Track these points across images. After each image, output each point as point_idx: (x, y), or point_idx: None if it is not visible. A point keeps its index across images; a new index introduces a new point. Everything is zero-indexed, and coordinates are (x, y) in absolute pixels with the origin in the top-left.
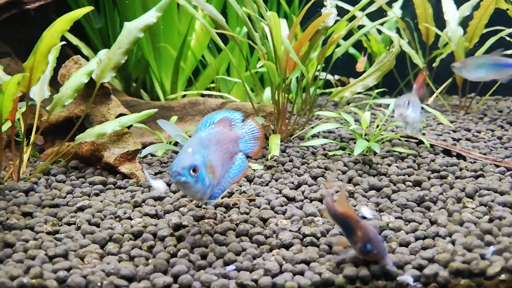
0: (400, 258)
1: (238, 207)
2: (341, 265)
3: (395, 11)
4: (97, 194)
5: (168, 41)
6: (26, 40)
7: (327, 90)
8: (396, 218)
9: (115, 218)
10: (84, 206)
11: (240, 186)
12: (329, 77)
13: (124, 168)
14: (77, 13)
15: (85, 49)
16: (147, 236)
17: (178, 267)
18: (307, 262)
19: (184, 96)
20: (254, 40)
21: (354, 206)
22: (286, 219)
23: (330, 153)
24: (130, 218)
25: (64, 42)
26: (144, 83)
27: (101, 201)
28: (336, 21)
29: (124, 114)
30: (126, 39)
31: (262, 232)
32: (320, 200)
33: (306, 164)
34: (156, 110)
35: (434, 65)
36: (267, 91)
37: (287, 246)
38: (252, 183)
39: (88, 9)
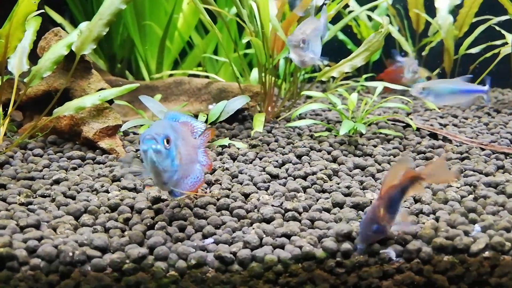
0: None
1: (220, 183)
2: (322, 239)
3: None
4: (74, 169)
5: (154, 21)
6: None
7: (315, 74)
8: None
9: (92, 191)
10: (60, 179)
11: (224, 163)
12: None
13: (104, 144)
14: None
15: (68, 27)
16: (123, 209)
17: (154, 238)
18: (287, 236)
19: (170, 76)
20: (242, 18)
21: (338, 184)
22: (268, 195)
23: (316, 134)
24: (107, 192)
25: (42, 10)
26: (129, 63)
27: (78, 175)
28: (324, 4)
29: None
30: (108, 10)
31: (243, 206)
32: (304, 178)
33: (291, 144)
34: (138, 85)
35: (423, 53)
36: (254, 72)
37: (268, 221)
38: (236, 161)
39: None
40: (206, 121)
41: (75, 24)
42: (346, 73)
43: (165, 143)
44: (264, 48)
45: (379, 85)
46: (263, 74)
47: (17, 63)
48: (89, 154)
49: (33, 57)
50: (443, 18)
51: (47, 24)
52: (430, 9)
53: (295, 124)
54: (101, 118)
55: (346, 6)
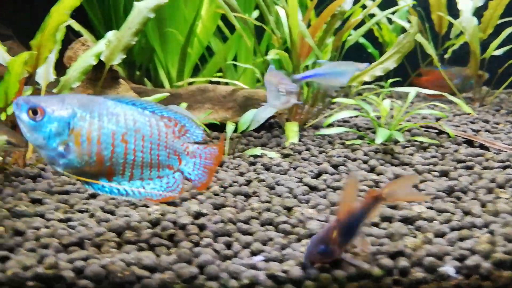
0: (439, 249)
1: (258, 196)
2: (378, 255)
3: (407, 0)
4: None
5: (173, 27)
6: (27, 23)
7: None
8: (427, 208)
9: (130, 205)
10: (96, 193)
11: (258, 174)
12: None
13: None
14: None
15: (87, 35)
16: (167, 225)
17: (203, 256)
18: None
19: (190, 83)
20: (266, 24)
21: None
22: (311, 209)
23: (348, 142)
24: (146, 206)
25: (73, 21)
26: (147, 70)
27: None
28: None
29: None
30: (136, 19)
31: (288, 221)
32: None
33: (324, 153)
34: (167, 94)
35: (446, 56)
36: None
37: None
38: (270, 171)
39: None
40: (235, 131)
41: (93, 31)
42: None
43: (30, 113)
44: (290, 56)
45: (412, 91)
46: None
47: (44, 73)
48: None
49: (57, 66)
50: (467, 20)
51: (67, 31)
52: (452, 11)
53: (326, 132)
54: None
55: (364, 7)
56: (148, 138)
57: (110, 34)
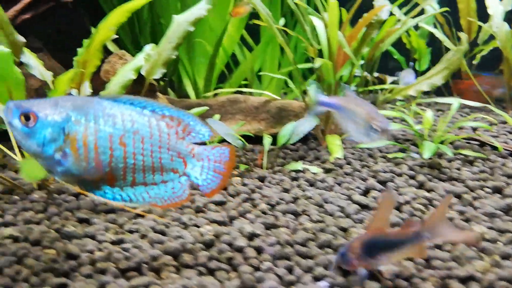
0: (510, 272)
1: (308, 214)
2: (447, 280)
3: (433, 6)
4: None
5: (200, 37)
6: (54, 35)
7: (370, 88)
8: (488, 228)
9: (180, 224)
10: (144, 212)
11: (304, 190)
12: (363, 74)
13: None
14: (134, 4)
15: (111, 45)
16: (222, 247)
17: (268, 283)
18: (405, 278)
19: (215, 95)
20: (299, 35)
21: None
22: None
23: (390, 156)
24: (196, 226)
25: (117, 36)
26: (171, 80)
27: None
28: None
29: None
30: (176, 33)
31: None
32: (397, 208)
33: (366, 167)
34: (207, 108)
35: (474, 62)
36: (312, 89)
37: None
38: (314, 187)
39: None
40: (273, 143)
41: (118, 43)
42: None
43: (22, 118)
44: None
45: (454, 102)
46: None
47: (81, 87)
48: None
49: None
50: (498, 25)
51: None
52: (481, 17)
53: (367, 145)
54: None
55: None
56: (148, 140)
57: (149, 48)
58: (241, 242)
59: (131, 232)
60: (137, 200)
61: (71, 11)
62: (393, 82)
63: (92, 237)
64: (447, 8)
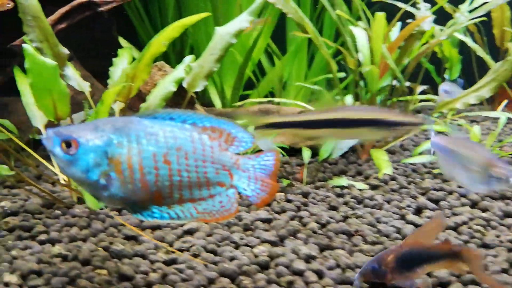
0: None
1: (362, 235)
2: None
3: (464, 14)
4: None
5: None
6: (83, 43)
7: (403, 98)
8: None
9: (230, 243)
10: (192, 229)
11: (353, 208)
12: (403, 84)
13: None
14: (190, 20)
15: (135, 52)
16: (280, 270)
17: None
18: None
19: (238, 106)
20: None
21: (498, 237)
22: None
23: (436, 171)
24: (248, 245)
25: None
26: None
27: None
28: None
29: None
30: (218, 45)
31: None
32: (455, 229)
33: (413, 184)
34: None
35: None
36: (348, 100)
37: (445, 285)
38: (362, 204)
39: (204, 14)
40: (314, 157)
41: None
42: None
43: (63, 146)
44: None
45: (502, 116)
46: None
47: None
48: None
49: None
50: None
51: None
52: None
53: (413, 160)
54: None
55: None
56: (191, 155)
57: (188, 60)
58: (299, 264)
59: (181, 250)
60: (185, 216)
61: (102, 20)
62: (422, 92)
63: (143, 257)
64: (484, 18)
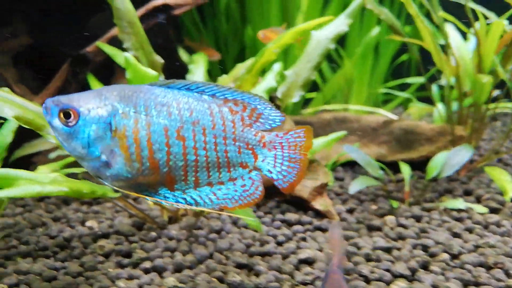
0: None
1: (503, 268)
2: None
3: None
4: (303, 239)
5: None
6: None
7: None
8: None
9: (360, 277)
10: (309, 258)
11: (481, 236)
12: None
13: (318, 204)
14: (306, 26)
15: (184, 55)
16: None
17: None
18: None
19: (308, 113)
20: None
21: None
22: None
23: None
24: (382, 280)
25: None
26: None
27: (320, 250)
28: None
29: None
30: (316, 51)
31: None
32: None
33: None
34: (345, 132)
35: None
36: (440, 107)
37: None
38: (488, 230)
39: (327, 18)
40: (397, 170)
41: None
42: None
43: (61, 116)
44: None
45: None
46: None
47: None
48: (303, 217)
49: None
50: None
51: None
52: None
53: None
54: (310, 174)
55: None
56: (210, 131)
57: (277, 67)
58: None
59: (304, 284)
60: (204, 202)
61: (160, 26)
62: None
63: None
64: None
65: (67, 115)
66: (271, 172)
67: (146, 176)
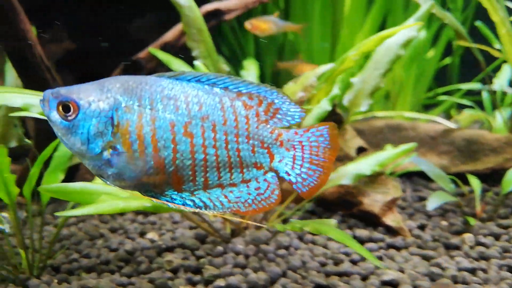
0: None
1: None
2: None
3: None
4: (379, 258)
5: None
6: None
7: None
8: None
9: None
10: (393, 280)
11: None
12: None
13: (390, 220)
14: (390, 33)
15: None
16: None
17: None
18: None
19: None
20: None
21: None
22: None
23: None
24: None
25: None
26: None
27: (401, 271)
28: None
29: (364, 147)
30: (385, 58)
31: None
32: None
33: None
34: (416, 144)
35: None
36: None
37: None
38: None
39: (411, 25)
40: (501, 192)
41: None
42: None
43: (60, 109)
44: None
45: None
46: None
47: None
48: (374, 234)
49: None
50: None
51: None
52: None
53: None
54: (379, 187)
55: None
56: (221, 127)
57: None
58: None
59: None
60: (214, 206)
61: None
62: None
63: None
64: None
65: (66, 109)
66: (289, 175)
67: (150, 175)
